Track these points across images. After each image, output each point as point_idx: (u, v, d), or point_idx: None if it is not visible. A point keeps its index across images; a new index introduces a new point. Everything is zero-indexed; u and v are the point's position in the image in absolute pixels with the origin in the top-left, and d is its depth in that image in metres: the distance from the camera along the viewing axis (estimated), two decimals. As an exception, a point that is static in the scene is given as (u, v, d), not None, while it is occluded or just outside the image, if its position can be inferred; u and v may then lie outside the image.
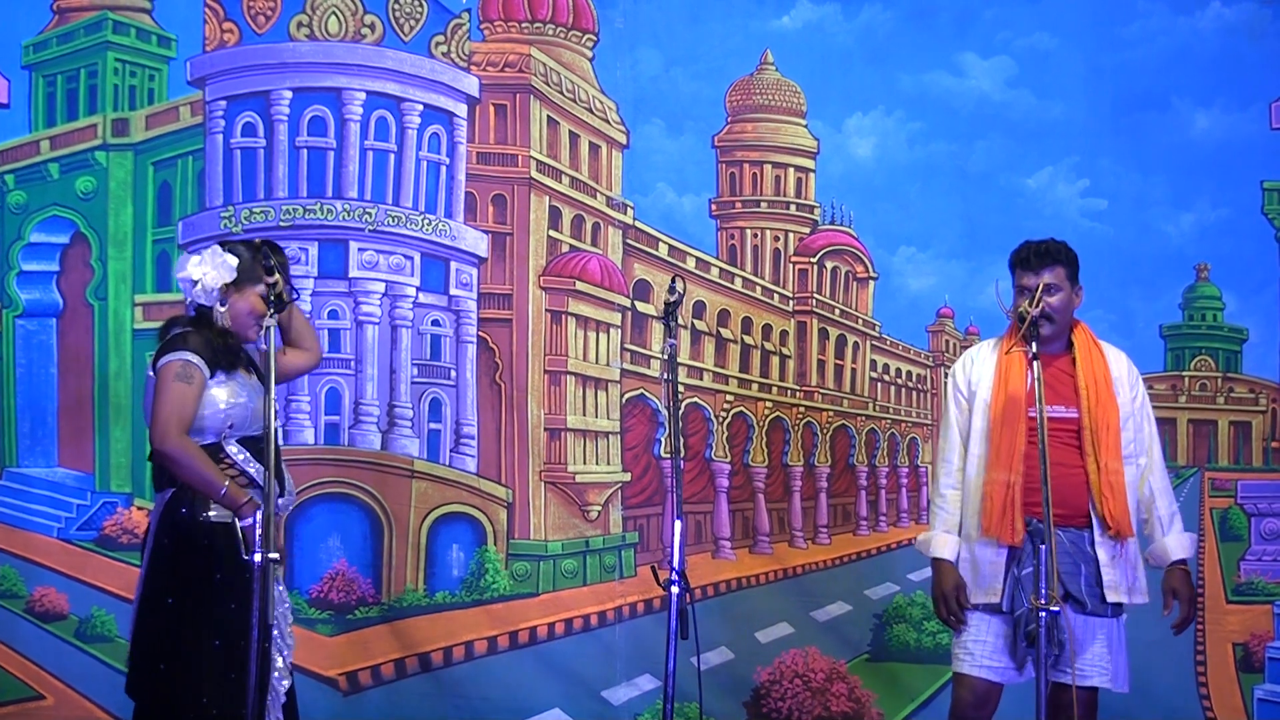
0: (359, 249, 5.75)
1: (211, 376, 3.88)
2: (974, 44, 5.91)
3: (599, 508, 5.83)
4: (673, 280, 4.55)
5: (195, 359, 3.85)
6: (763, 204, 6.08)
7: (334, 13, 5.79)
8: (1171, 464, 5.88)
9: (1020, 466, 4.08)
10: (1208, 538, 5.86)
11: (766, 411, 6.04)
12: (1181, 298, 5.93)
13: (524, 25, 5.89)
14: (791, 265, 6.09)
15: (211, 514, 3.85)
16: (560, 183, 5.88)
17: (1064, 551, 4.07)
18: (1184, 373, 5.99)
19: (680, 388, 5.61)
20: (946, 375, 4.45)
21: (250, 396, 3.96)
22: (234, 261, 3.94)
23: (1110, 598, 4.10)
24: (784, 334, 6.08)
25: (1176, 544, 4.21)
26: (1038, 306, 4.05)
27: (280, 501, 3.86)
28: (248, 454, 3.93)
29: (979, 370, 4.27)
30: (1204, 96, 5.83)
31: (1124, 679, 4.19)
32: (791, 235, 6.09)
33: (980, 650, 4.20)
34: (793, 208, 6.08)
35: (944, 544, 4.23)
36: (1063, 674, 4.01)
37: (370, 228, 5.75)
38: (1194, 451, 5.97)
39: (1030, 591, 4.04)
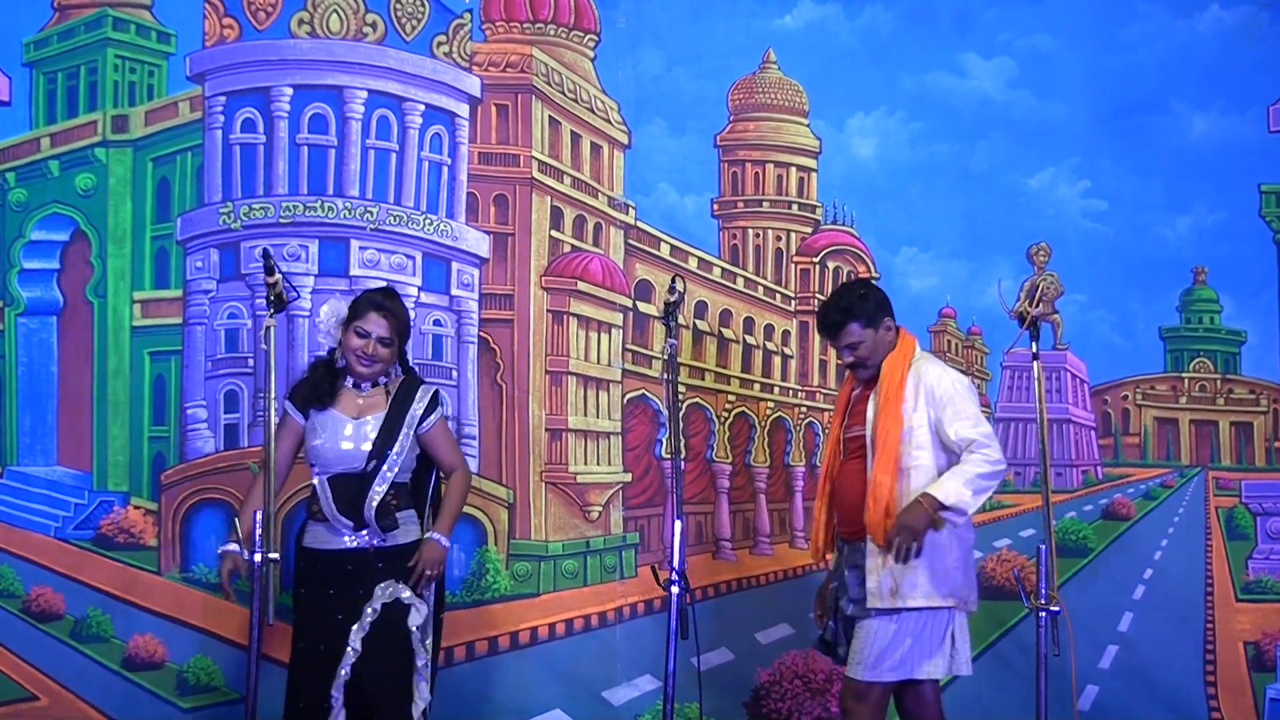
0: (360, 247, 5.74)
1: (305, 417, 4.48)
2: (975, 44, 5.91)
3: (600, 508, 5.82)
4: (673, 280, 4.57)
5: (287, 403, 4.53)
6: (765, 204, 6.07)
7: (335, 10, 5.78)
8: (1175, 463, 5.91)
9: (826, 488, 4.51)
10: (1214, 536, 5.86)
11: (769, 411, 6.03)
12: (1179, 300, 5.93)
13: (526, 25, 5.88)
14: (793, 265, 6.08)
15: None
16: (562, 183, 5.87)
17: (843, 560, 4.41)
18: (1184, 374, 5.99)
19: (681, 388, 5.62)
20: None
21: (326, 435, 4.40)
22: (346, 314, 4.53)
23: (871, 603, 4.23)
24: (786, 334, 6.08)
25: (934, 486, 4.21)
26: (1037, 306, 4.13)
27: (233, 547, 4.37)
28: (329, 496, 4.39)
29: None
30: (1202, 100, 5.84)
31: (911, 667, 4.25)
32: (793, 235, 6.08)
33: None
34: (795, 207, 6.07)
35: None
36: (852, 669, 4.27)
37: (372, 226, 5.74)
38: (1196, 451, 5.97)
39: (830, 605, 4.45)
